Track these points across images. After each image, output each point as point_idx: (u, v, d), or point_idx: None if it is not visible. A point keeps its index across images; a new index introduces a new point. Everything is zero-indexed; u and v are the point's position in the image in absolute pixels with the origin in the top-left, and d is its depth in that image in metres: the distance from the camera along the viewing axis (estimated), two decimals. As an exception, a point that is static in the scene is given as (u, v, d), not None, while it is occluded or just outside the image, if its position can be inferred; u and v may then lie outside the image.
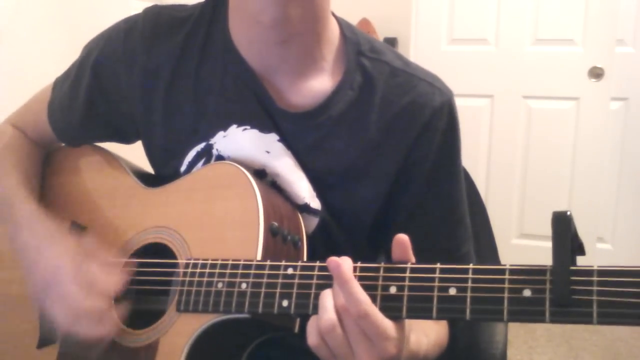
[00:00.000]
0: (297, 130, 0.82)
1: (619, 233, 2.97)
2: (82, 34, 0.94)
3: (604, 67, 2.69)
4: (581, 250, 0.56)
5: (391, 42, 2.92)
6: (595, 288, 0.53)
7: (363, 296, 0.60)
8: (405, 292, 0.61)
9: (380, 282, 0.63)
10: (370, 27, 2.87)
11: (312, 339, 0.63)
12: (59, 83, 0.96)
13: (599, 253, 2.83)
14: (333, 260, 0.62)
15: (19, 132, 0.98)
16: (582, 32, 2.71)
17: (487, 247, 1.07)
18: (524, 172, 2.92)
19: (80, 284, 0.76)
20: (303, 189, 0.82)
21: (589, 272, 0.54)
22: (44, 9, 1.83)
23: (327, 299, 0.62)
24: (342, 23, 0.86)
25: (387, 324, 0.60)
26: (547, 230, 0.55)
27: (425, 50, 2.93)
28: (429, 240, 0.82)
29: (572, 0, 2.70)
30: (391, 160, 0.82)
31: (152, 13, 0.88)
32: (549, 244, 0.55)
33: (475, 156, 2.92)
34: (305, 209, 0.82)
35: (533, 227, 2.91)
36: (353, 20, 2.84)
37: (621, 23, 2.71)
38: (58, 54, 1.00)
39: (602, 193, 2.84)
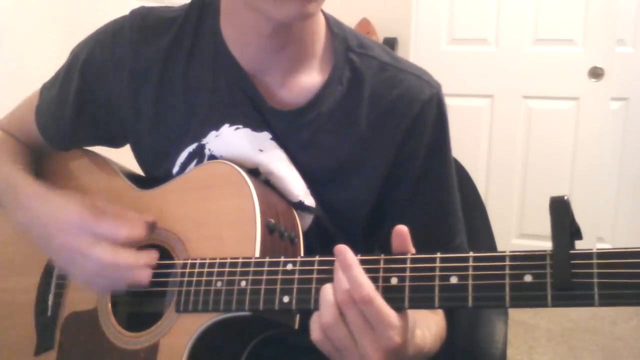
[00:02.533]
0: (289, 128, 0.82)
1: (619, 233, 2.97)
2: (81, 34, 0.93)
3: (604, 67, 2.69)
4: (578, 235, 0.56)
5: (391, 42, 2.93)
6: (595, 270, 0.53)
7: (366, 281, 0.60)
8: (407, 283, 0.61)
9: (381, 274, 0.63)
10: (370, 27, 2.87)
11: (315, 334, 0.63)
12: (46, 87, 0.95)
13: (599, 253, 2.83)
14: (342, 245, 0.62)
15: (9, 135, 0.97)
16: (582, 32, 2.71)
17: (486, 247, 1.06)
18: (523, 172, 2.93)
19: (101, 241, 0.75)
20: (297, 187, 0.82)
21: (588, 255, 0.54)
22: (43, 9, 1.83)
23: (328, 293, 0.62)
24: (329, 19, 0.86)
25: (390, 312, 0.60)
26: (547, 230, 0.55)
27: (425, 50, 2.94)
28: (423, 232, 0.81)
29: (572, 0, 2.71)
30: (383, 154, 0.82)
31: (140, 14, 0.88)
32: (549, 244, 0.55)
33: (475, 156, 2.92)
34: (300, 206, 0.82)
35: (533, 227, 2.91)
36: (353, 20, 2.85)
37: (621, 23, 2.72)
38: (58, 54, 0.99)
39: (602, 193, 2.84)
